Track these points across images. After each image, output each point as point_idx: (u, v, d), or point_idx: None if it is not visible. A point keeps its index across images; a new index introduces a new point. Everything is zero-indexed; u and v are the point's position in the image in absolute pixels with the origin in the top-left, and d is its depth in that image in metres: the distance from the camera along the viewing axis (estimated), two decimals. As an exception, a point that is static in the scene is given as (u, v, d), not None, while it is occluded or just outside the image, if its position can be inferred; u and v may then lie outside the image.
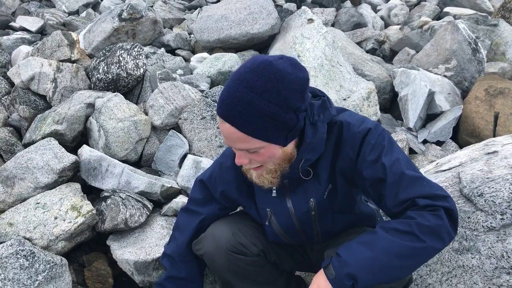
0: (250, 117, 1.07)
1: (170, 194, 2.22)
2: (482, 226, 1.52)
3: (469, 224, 1.55)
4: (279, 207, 1.37)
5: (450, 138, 2.98)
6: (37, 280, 1.64)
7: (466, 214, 1.57)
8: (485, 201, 1.53)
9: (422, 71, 3.39)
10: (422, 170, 2.00)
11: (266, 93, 1.06)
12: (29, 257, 1.66)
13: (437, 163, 1.97)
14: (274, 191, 1.34)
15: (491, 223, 1.50)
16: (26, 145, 2.40)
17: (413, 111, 3.09)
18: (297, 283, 1.80)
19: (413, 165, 1.23)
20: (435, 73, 3.47)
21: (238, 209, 1.66)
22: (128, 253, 1.88)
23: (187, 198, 2.22)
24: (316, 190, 1.31)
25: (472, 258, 1.54)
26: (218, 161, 1.50)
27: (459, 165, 1.75)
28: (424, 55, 3.78)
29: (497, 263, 1.48)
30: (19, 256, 1.64)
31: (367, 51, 4.36)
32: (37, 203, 1.99)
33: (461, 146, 2.91)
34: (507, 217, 1.47)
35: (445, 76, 3.47)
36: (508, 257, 1.46)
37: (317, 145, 1.22)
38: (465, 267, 1.55)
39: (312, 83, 3.05)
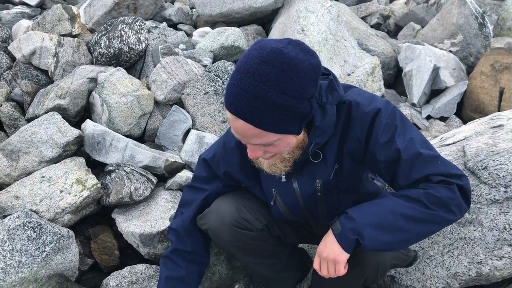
0: (266, 112, 1.01)
1: (174, 168, 2.23)
2: (486, 198, 1.53)
3: (472, 197, 1.56)
4: (285, 188, 1.37)
5: (454, 114, 2.97)
6: (45, 251, 1.67)
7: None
8: (489, 174, 1.53)
9: (427, 46, 3.35)
10: (426, 145, 2.00)
11: (280, 85, 1.00)
12: (36, 229, 1.68)
13: (441, 137, 1.97)
14: (284, 177, 1.32)
15: (494, 196, 1.51)
16: (29, 120, 2.40)
17: (417, 87, 3.06)
18: (301, 255, 1.83)
19: (428, 143, 1.21)
20: (440, 48, 3.43)
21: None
22: (133, 225, 1.90)
23: (191, 172, 2.24)
24: (323, 171, 1.30)
25: (474, 230, 1.55)
26: (222, 140, 1.48)
27: (464, 139, 1.75)
28: (429, 30, 3.72)
29: (499, 235, 1.50)
30: (26, 227, 1.66)
31: (372, 26, 4.30)
32: (43, 177, 2.00)
33: (465, 121, 2.90)
34: (510, 190, 1.48)
35: (450, 51, 3.43)
36: (511, 229, 1.48)
37: (326, 128, 1.19)
38: (467, 239, 1.57)
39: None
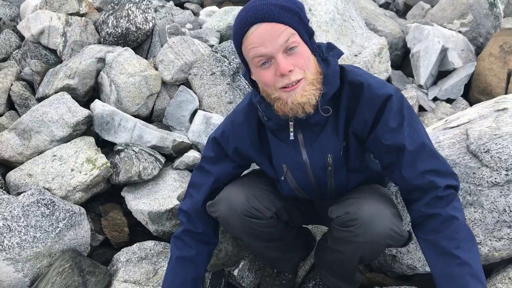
0: (281, 12, 1.13)
1: (181, 148, 2.27)
2: (487, 181, 1.55)
3: (474, 180, 1.58)
4: (295, 162, 1.39)
5: (461, 96, 2.96)
6: (58, 227, 1.74)
7: (472, 170, 1.60)
8: (491, 157, 1.55)
9: (436, 26, 3.31)
10: (431, 127, 2.01)
11: (282, 0, 1.15)
12: (49, 206, 1.74)
13: (446, 120, 1.98)
14: (292, 134, 1.33)
15: (495, 178, 1.53)
16: (39, 100, 2.44)
17: (424, 68, 3.05)
18: (305, 235, 1.88)
19: (429, 137, 1.27)
20: (449, 29, 3.39)
21: (251, 169, 1.68)
22: (142, 204, 1.96)
23: (198, 153, 2.28)
24: (334, 145, 1.33)
25: (474, 212, 1.58)
26: (229, 118, 1.49)
27: (468, 122, 1.76)
28: (439, 10, 3.66)
29: (498, 217, 1.53)
30: (40, 204, 1.73)
31: (380, 6, 4.24)
32: (54, 156, 2.06)
33: (471, 104, 2.90)
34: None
35: (460, 32, 3.39)
36: (510, 211, 1.51)
37: (331, 78, 1.23)
38: (467, 220, 1.60)
39: (323, 38, 3.00)
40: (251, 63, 1.21)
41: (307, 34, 1.20)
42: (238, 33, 1.18)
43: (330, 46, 1.29)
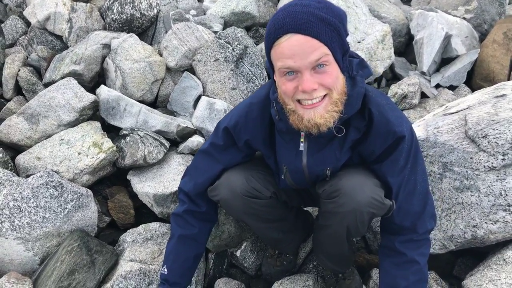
0: (318, 24, 1.10)
1: (185, 133, 2.32)
2: (484, 166, 1.59)
3: (471, 164, 1.62)
4: (294, 166, 1.44)
5: (463, 83, 2.97)
6: (66, 208, 1.79)
7: (469, 155, 1.63)
8: (488, 142, 1.58)
9: (441, 13, 3.30)
10: (431, 114, 2.04)
11: (324, 9, 1.12)
12: (58, 188, 1.79)
13: (446, 106, 2.01)
14: (302, 145, 1.38)
15: (492, 163, 1.57)
16: (46, 85, 2.49)
17: (427, 55, 3.05)
18: (305, 217, 1.93)
19: (426, 174, 1.42)
20: (454, 15, 3.38)
21: None
22: (147, 186, 2.01)
23: (202, 138, 2.32)
24: (335, 159, 1.38)
25: (471, 195, 1.62)
26: (243, 110, 1.47)
27: (467, 108, 1.79)
28: (444, -4, 3.64)
29: (494, 201, 1.57)
30: (49, 186, 1.78)
31: (385, -8, 4.20)
32: (61, 139, 2.11)
33: (474, 91, 2.90)
34: (508, 158, 1.53)
35: (464, 18, 3.37)
36: (506, 195, 1.55)
37: (354, 100, 1.24)
38: (464, 204, 1.64)
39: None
40: (276, 69, 1.19)
41: (341, 51, 1.17)
42: (271, 36, 1.15)
43: (362, 64, 1.27)
